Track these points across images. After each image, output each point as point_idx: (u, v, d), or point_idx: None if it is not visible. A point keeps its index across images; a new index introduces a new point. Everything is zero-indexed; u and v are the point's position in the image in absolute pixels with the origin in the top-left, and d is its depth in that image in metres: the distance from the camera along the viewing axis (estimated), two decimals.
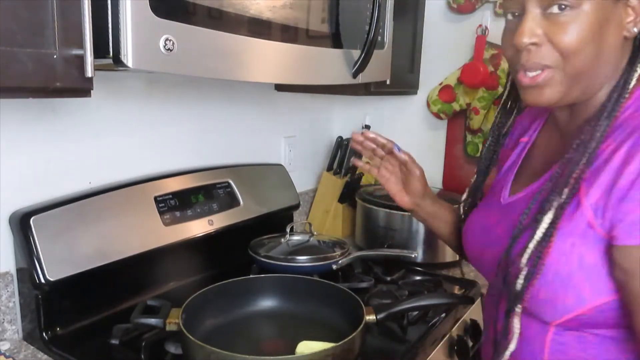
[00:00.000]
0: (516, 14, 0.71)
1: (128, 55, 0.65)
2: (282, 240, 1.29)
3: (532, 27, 0.68)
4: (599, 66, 0.69)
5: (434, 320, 1.10)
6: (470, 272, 1.40)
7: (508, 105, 0.90)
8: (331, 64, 1.02)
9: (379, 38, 1.12)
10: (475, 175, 0.95)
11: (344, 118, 1.83)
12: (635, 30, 0.69)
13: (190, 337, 0.83)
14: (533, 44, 0.68)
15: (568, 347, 0.71)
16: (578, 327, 0.70)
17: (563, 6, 0.66)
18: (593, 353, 0.70)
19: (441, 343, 1.11)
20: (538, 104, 0.72)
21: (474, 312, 1.23)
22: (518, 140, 0.91)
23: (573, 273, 0.66)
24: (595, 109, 0.72)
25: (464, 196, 0.97)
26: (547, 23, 0.67)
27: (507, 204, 0.82)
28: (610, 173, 0.64)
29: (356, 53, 1.05)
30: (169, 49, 0.68)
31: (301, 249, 1.26)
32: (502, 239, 0.76)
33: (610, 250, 0.64)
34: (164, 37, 0.68)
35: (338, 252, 1.25)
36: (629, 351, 0.68)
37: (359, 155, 1.13)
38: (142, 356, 0.93)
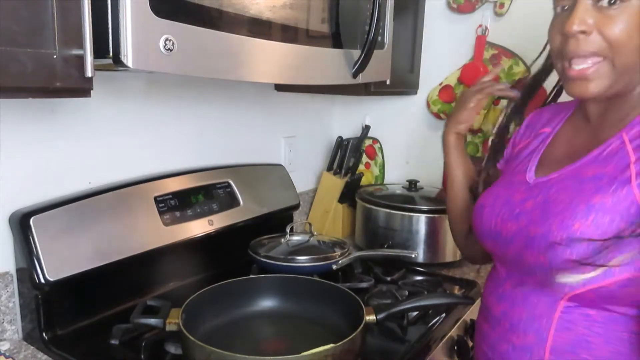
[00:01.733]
0: (566, 7, 0.75)
1: (128, 55, 0.65)
2: (282, 240, 1.29)
3: (583, 16, 0.71)
4: None
5: (434, 320, 1.11)
6: (470, 272, 1.41)
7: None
8: (331, 64, 1.02)
9: (379, 38, 1.12)
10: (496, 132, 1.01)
11: (344, 118, 1.83)
12: None
13: (190, 337, 0.83)
14: (582, 32, 0.72)
15: (574, 325, 0.75)
16: (591, 303, 0.73)
17: (613, 0, 0.70)
18: (598, 332, 0.73)
19: (441, 343, 1.11)
20: (583, 96, 0.76)
21: (474, 312, 1.23)
22: (539, 131, 0.94)
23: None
24: (631, 104, 0.77)
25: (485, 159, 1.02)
26: (598, 14, 0.71)
27: (536, 184, 0.84)
28: None
29: (356, 53, 1.05)
30: (169, 49, 0.68)
31: (301, 249, 1.26)
32: (530, 213, 0.80)
33: None
34: (164, 37, 0.68)
35: (338, 252, 1.25)
36: (636, 332, 0.72)
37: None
38: (142, 356, 0.93)
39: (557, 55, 0.78)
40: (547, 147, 0.90)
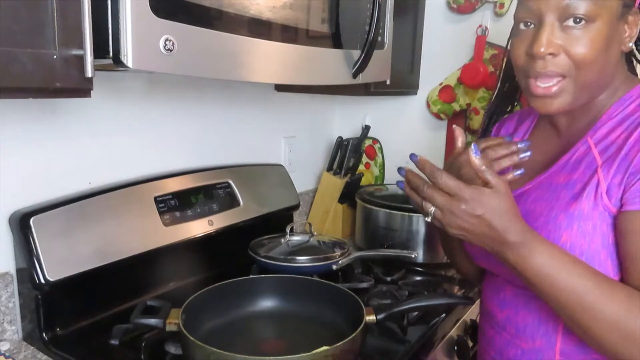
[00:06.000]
0: (529, 24, 0.76)
1: (128, 56, 0.65)
2: (282, 240, 1.29)
3: (551, 37, 0.72)
4: (603, 77, 0.75)
5: (434, 320, 1.10)
6: None
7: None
8: (331, 64, 1.02)
9: (379, 38, 1.12)
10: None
11: (344, 118, 1.83)
12: (631, 45, 0.76)
13: (190, 337, 0.83)
14: (550, 53, 0.73)
15: None
16: None
17: (578, 19, 0.71)
18: None
19: (441, 343, 1.11)
20: (548, 112, 0.78)
21: (474, 312, 1.23)
22: None
23: (598, 251, 0.72)
24: (595, 112, 0.80)
25: None
26: (564, 35, 0.72)
27: (514, 197, 0.84)
28: (624, 158, 0.71)
29: (356, 53, 1.05)
30: (169, 49, 0.68)
31: (301, 249, 1.26)
32: None
33: (616, 219, 0.71)
34: (164, 37, 0.68)
35: (338, 252, 1.25)
36: None
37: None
38: (142, 356, 0.93)
39: (522, 73, 0.79)
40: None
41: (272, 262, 1.20)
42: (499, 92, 1.01)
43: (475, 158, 0.70)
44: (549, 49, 0.72)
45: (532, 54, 0.74)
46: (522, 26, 0.77)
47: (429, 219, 0.73)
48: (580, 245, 0.73)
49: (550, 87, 0.75)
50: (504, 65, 0.97)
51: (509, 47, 0.90)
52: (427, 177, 0.73)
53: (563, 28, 0.72)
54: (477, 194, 0.69)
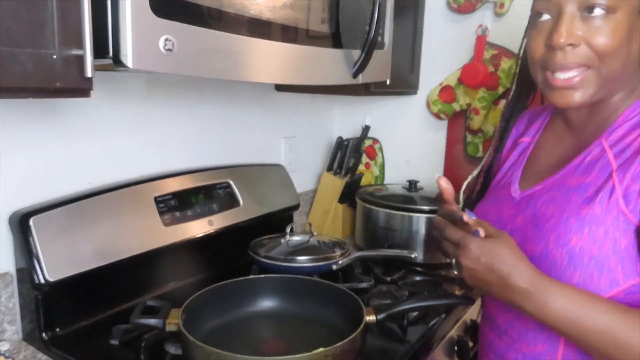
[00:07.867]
0: (547, 15, 0.74)
1: (128, 56, 0.65)
2: (282, 240, 1.29)
3: (571, 28, 0.71)
4: (626, 70, 0.73)
5: (434, 320, 1.10)
6: None
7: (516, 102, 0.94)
8: (331, 64, 1.02)
9: (379, 38, 1.12)
10: (487, 155, 0.99)
11: (344, 118, 1.83)
12: None
13: (190, 337, 0.83)
14: (570, 44, 0.71)
15: None
16: None
17: (599, 10, 0.69)
18: None
19: (441, 343, 1.11)
20: (568, 105, 0.75)
21: (474, 313, 1.23)
22: (517, 141, 0.94)
23: (608, 257, 0.70)
24: (610, 111, 0.77)
25: (469, 180, 1.00)
26: (584, 25, 0.71)
27: (522, 197, 0.84)
28: None
29: (356, 53, 1.05)
30: (169, 49, 0.68)
31: (301, 249, 1.26)
32: (523, 230, 0.80)
33: (639, 230, 0.69)
34: (164, 37, 0.68)
35: (338, 252, 1.25)
36: None
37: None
38: (142, 357, 0.92)
39: (539, 65, 0.77)
40: (529, 158, 0.89)
41: (272, 262, 1.20)
42: (514, 95, 0.96)
43: (470, 219, 0.73)
44: (569, 40, 0.71)
45: (551, 45, 0.72)
46: (539, 18, 0.75)
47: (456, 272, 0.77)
48: (589, 250, 0.72)
49: (571, 78, 0.73)
50: (518, 66, 0.93)
51: (523, 46, 0.88)
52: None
53: (583, 19, 0.71)
54: (480, 242, 0.71)
